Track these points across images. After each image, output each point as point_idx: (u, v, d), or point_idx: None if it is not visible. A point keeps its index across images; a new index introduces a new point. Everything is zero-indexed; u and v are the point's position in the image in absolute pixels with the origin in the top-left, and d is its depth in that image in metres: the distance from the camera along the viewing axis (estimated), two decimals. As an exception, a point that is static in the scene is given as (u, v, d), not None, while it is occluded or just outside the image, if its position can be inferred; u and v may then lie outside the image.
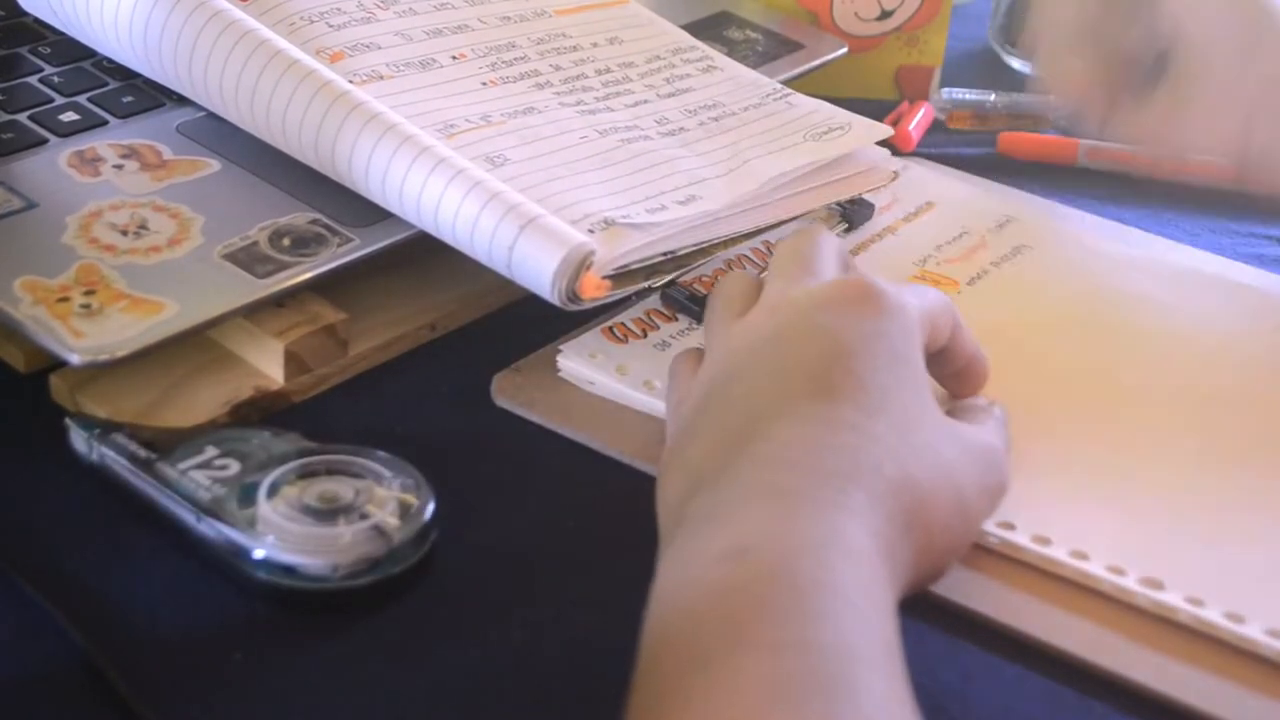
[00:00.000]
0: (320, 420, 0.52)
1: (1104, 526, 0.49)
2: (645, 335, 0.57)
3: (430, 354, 0.56)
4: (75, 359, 0.47)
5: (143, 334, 0.48)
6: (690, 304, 0.58)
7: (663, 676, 0.36)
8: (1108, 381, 0.57)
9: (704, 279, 0.61)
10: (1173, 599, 0.46)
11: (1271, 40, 0.58)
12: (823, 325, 0.45)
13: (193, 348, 0.52)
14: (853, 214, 0.66)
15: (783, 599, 0.37)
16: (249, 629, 0.44)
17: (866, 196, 0.66)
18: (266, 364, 0.53)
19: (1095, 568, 0.47)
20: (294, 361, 0.52)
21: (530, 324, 0.56)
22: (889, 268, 0.63)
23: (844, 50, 0.74)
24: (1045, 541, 0.48)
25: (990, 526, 0.48)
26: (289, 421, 0.51)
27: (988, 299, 0.62)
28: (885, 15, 0.78)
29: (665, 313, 0.59)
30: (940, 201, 0.70)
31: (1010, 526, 0.48)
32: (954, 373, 0.51)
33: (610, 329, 0.57)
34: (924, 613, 0.45)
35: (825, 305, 0.46)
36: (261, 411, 0.52)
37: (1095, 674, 0.44)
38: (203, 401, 0.51)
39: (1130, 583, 0.47)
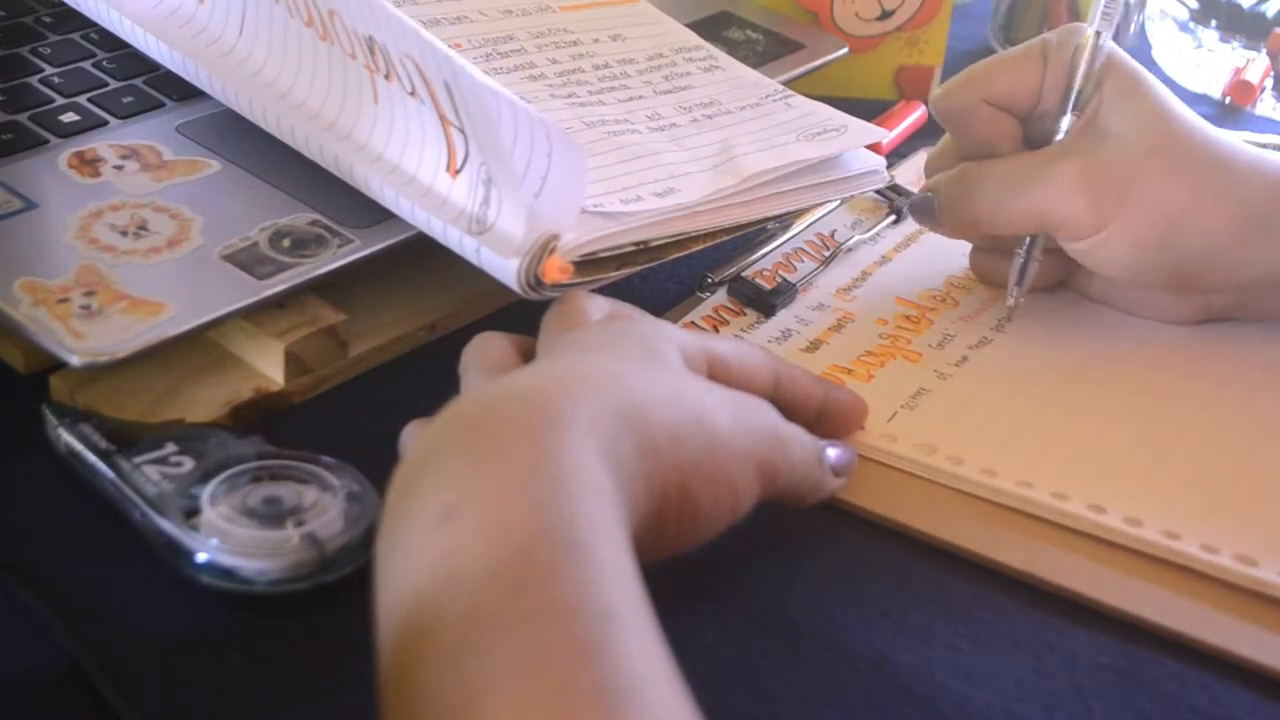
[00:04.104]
0: (320, 421, 0.52)
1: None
2: (717, 331, 0.58)
3: (430, 355, 0.56)
4: (75, 360, 0.47)
5: (143, 335, 0.48)
6: (758, 297, 0.58)
7: (412, 675, 0.33)
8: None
9: (763, 273, 0.61)
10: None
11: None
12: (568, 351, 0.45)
13: (193, 349, 0.52)
14: (899, 205, 0.66)
15: (508, 559, 0.34)
16: (236, 631, 0.44)
17: (909, 186, 0.67)
18: (267, 365, 0.53)
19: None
20: (294, 362, 0.52)
21: (531, 325, 0.56)
22: (941, 258, 0.64)
23: (844, 50, 0.74)
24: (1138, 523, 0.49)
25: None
26: (289, 422, 0.52)
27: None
28: (885, 15, 0.78)
29: (733, 308, 0.59)
30: None
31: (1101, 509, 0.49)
32: (816, 418, 0.50)
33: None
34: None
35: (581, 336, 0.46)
36: (262, 413, 0.52)
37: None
38: (203, 403, 0.51)
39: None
